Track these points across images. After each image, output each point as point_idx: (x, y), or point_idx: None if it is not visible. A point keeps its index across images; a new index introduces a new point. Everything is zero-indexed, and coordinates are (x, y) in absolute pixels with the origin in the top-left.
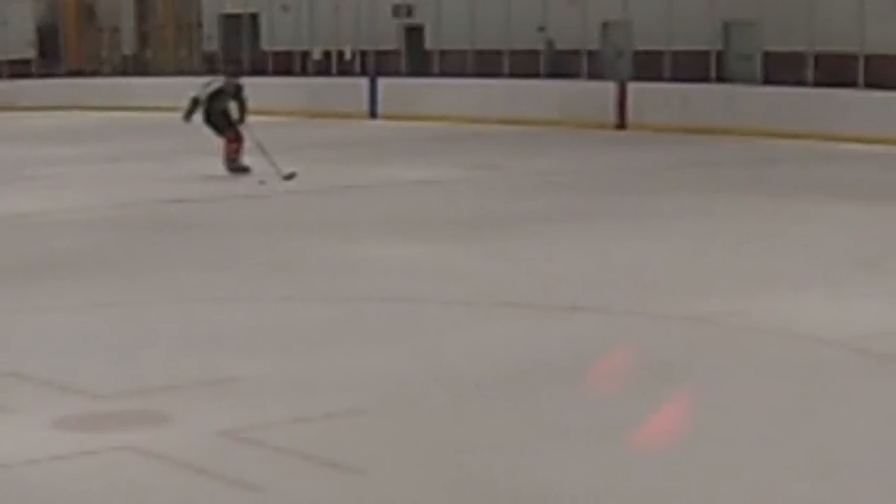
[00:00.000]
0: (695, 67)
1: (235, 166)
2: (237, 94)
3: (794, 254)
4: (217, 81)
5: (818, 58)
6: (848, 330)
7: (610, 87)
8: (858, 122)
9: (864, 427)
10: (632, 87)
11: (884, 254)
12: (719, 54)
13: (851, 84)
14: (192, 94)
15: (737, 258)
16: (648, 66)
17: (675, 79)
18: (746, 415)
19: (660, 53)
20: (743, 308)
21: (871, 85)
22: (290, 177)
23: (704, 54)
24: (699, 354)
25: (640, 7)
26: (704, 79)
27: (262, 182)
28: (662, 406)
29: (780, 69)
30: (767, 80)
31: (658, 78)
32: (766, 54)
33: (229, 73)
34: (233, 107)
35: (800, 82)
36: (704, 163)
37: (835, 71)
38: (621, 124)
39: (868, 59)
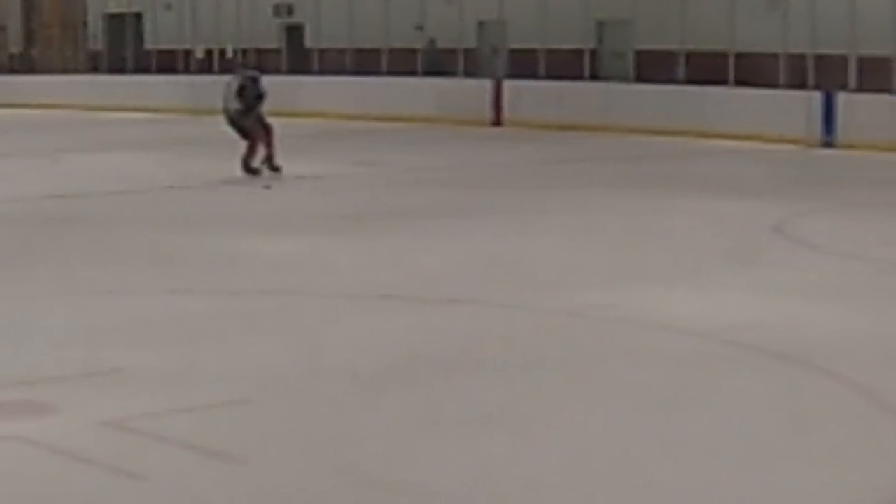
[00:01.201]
0: (569, 65)
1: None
2: (255, 86)
3: (665, 248)
4: (234, 80)
5: (689, 56)
6: (717, 322)
7: (486, 85)
8: (729, 119)
9: (733, 417)
10: (508, 84)
11: (752, 248)
12: (593, 53)
13: (722, 82)
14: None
15: (611, 252)
16: (524, 65)
17: (549, 76)
18: (619, 406)
19: (535, 52)
20: (616, 301)
21: (741, 83)
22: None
23: (578, 53)
24: (574, 346)
25: (516, 6)
26: (578, 77)
27: (267, 187)
28: (537, 397)
29: (653, 67)
30: (640, 78)
31: (533, 76)
32: (639, 53)
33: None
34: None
35: (671, 80)
36: (579, 159)
37: (706, 69)
38: (497, 121)
39: (738, 57)
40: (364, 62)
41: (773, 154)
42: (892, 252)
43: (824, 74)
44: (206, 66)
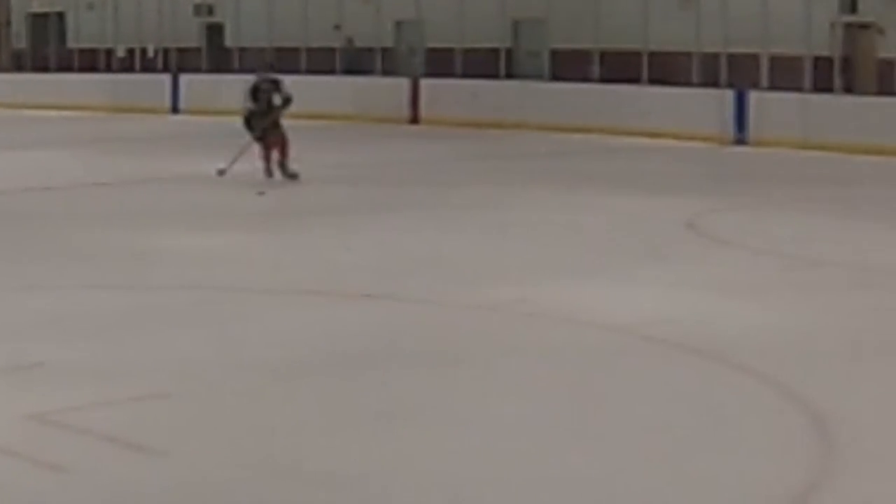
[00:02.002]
0: (485, 64)
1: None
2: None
3: (580, 244)
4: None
5: (603, 55)
6: (631, 316)
7: (403, 84)
8: (642, 117)
9: (646, 410)
10: (424, 83)
11: (665, 244)
12: (509, 52)
13: (635, 80)
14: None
15: (526, 248)
16: (440, 63)
17: (466, 75)
18: (533, 399)
19: (451, 51)
20: (532, 296)
21: (654, 81)
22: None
23: (494, 51)
24: (489, 341)
25: (433, 6)
26: (494, 75)
27: (260, 193)
28: (454, 390)
29: (568, 66)
30: (555, 77)
31: (450, 74)
32: (554, 52)
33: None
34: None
35: (586, 78)
36: (495, 156)
37: (619, 67)
38: (415, 119)
39: (651, 56)
40: (283, 61)
41: (686, 151)
42: (802, 248)
43: (736, 73)
44: (127, 65)
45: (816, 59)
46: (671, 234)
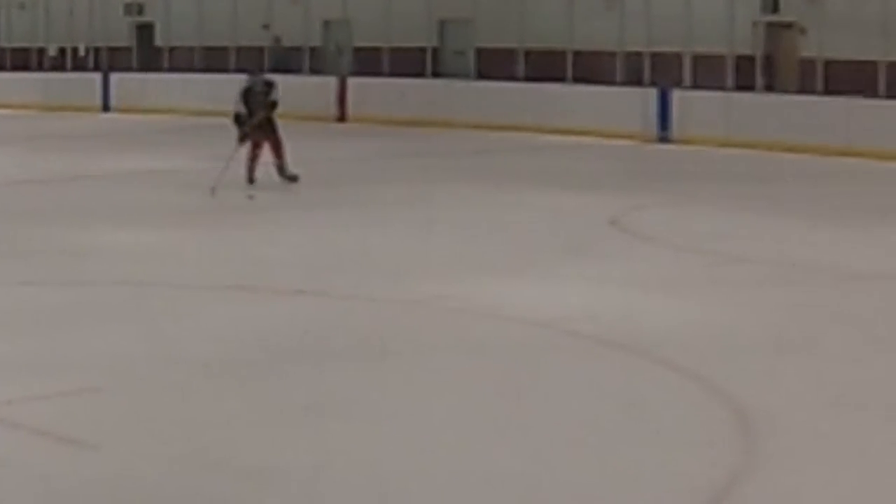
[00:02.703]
0: (412, 63)
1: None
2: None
3: (506, 240)
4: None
5: (529, 54)
6: (556, 312)
7: (331, 82)
8: (567, 116)
9: (571, 405)
10: (352, 81)
11: (590, 240)
12: (435, 51)
13: (560, 79)
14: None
15: (453, 244)
16: (368, 62)
17: (393, 74)
18: (459, 393)
19: (378, 50)
20: (458, 292)
21: (579, 80)
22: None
23: (421, 51)
24: (415, 336)
25: (360, 6)
26: (421, 74)
27: (250, 197)
28: (381, 385)
29: (493, 65)
30: (481, 75)
31: (377, 73)
32: (480, 51)
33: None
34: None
35: (511, 77)
36: (422, 154)
37: (544, 66)
38: (342, 117)
39: (576, 55)
40: (213, 60)
41: (610, 149)
42: (724, 244)
43: (660, 72)
44: (58, 64)
45: (739, 58)
46: (595, 230)
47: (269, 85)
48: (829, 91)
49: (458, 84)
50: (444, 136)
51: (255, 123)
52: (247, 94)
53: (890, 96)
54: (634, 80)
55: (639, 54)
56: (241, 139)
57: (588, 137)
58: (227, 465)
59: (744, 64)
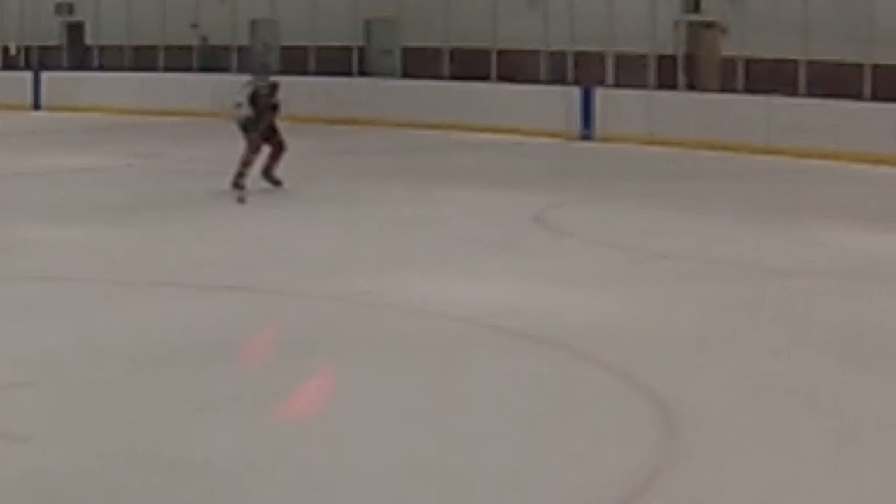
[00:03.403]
0: (339, 62)
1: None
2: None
3: (432, 237)
4: (249, 85)
5: (454, 53)
6: (481, 307)
7: None
8: (492, 113)
9: (495, 399)
10: (279, 80)
11: (515, 237)
12: (361, 50)
13: (485, 77)
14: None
15: (380, 241)
16: (295, 61)
17: (320, 73)
18: (385, 388)
19: (305, 49)
20: (384, 287)
21: (503, 78)
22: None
23: (347, 50)
24: (341, 331)
25: (287, 5)
26: (347, 73)
27: (241, 199)
28: (307, 379)
29: (419, 63)
30: (407, 74)
31: (304, 72)
32: (406, 50)
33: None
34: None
35: (437, 76)
36: (349, 152)
37: (469, 65)
38: None
39: (500, 53)
40: (142, 59)
41: (535, 147)
42: (646, 241)
43: (583, 71)
44: None
45: (660, 58)
46: (520, 227)
47: (274, 87)
48: (749, 90)
49: (385, 83)
50: (370, 134)
51: (262, 129)
52: (254, 98)
53: (810, 95)
54: (558, 78)
55: (562, 53)
56: (256, 148)
57: (512, 135)
58: (155, 459)
59: (666, 63)
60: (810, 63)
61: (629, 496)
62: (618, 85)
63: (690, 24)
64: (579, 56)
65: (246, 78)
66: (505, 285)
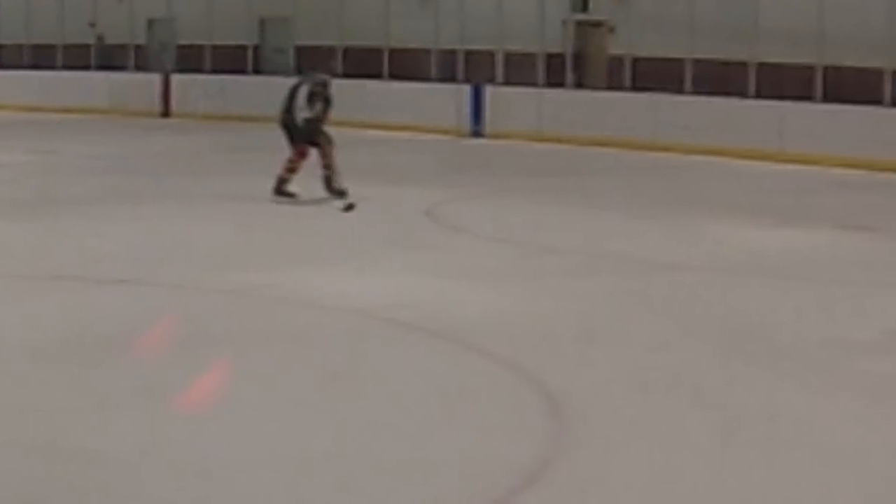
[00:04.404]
0: (233, 60)
1: (281, 188)
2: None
3: (326, 232)
4: (303, 86)
5: (347, 51)
6: (375, 301)
7: (155, 79)
8: (384, 111)
9: (389, 391)
10: (176, 78)
11: (407, 232)
12: (256, 48)
13: (377, 75)
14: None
15: (275, 236)
16: (191, 59)
17: (215, 71)
18: (281, 380)
19: (201, 47)
20: (279, 281)
21: (395, 76)
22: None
23: (242, 48)
24: (238, 324)
25: (183, 5)
26: (242, 71)
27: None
28: (204, 372)
29: (312, 61)
30: (300, 72)
31: (199, 70)
32: (299, 48)
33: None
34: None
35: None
36: (244, 148)
37: (362, 63)
38: (166, 113)
39: (392, 52)
40: (40, 57)
41: (426, 143)
42: (536, 236)
43: (473, 69)
44: None
45: (549, 56)
46: (412, 222)
47: (325, 84)
48: (636, 87)
49: (279, 80)
50: (264, 131)
51: (319, 129)
52: (311, 97)
53: (695, 92)
54: (449, 76)
55: (453, 52)
56: (324, 147)
57: (404, 132)
58: (54, 449)
59: (554, 61)
60: (696, 62)
61: (518, 486)
62: (507, 83)
63: (578, 23)
64: (470, 54)
65: (295, 80)
66: (398, 279)
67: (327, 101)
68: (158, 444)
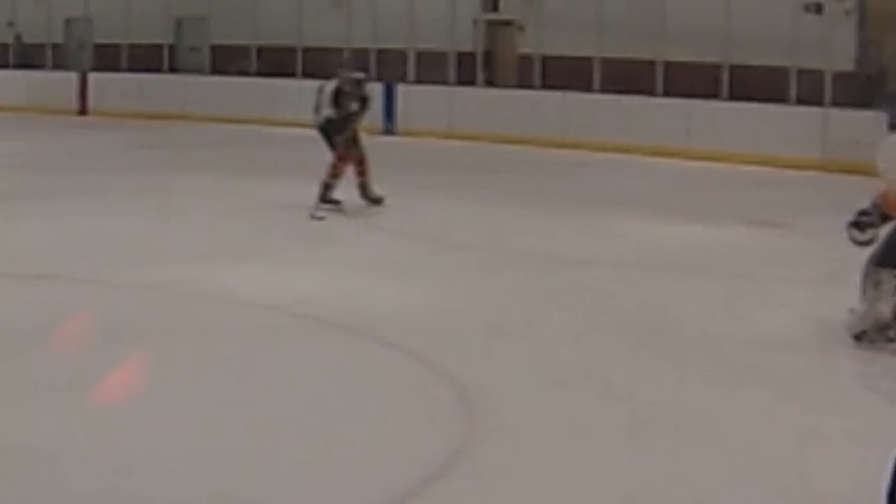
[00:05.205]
0: (150, 59)
1: (326, 195)
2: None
3: (239, 228)
4: (330, 83)
5: (261, 50)
6: (287, 296)
7: (73, 77)
8: (296, 109)
9: (301, 385)
10: (93, 77)
11: (320, 227)
12: (171, 47)
13: (291, 74)
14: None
15: (188, 232)
16: (108, 58)
17: (132, 69)
18: (194, 374)
19: (118, 46)
20: (192, 277)
21: (308, 75)
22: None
23: (158, 47)
24: (153, 318)
25: (100, 4)
26: (158, 69)
27: (319, 217)
28: (120, 366)
29: (227, 60)
30: (215, 71)
31: (116, 69)
32: (214, 47)
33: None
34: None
35: (244, 72)
36: (160, 145)
37: (276, 62)
38: (83, 111)
39: (305, 51)
40: None
41: None
42: (447, 232)
43: (385, 67)
44: None
45: (460, 55)
46: (327, 218)
47: (359, 82)
48: (546, 86)
49: (194, 79)
50: (180, 129)
51: (351, 132)
52: (338, 96)
53: (604, 91)
54: None
55: (365, 51)
56: (343, 157)
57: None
58: None
59: (465, 60)
60: (604, 60)
61: (430, 477)
62: (419, 81)
63: (489, 22)
64: (382, 53)
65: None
66: (311, 274)
67: (363, 101)
68: (76, 438)
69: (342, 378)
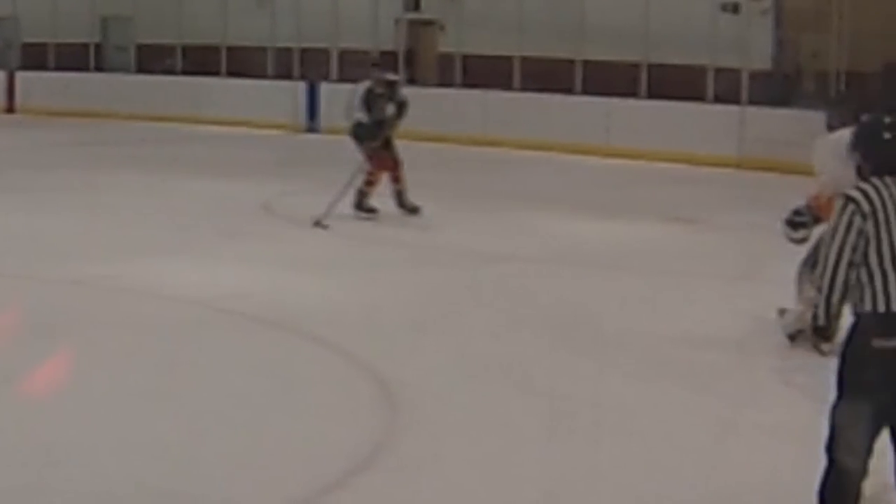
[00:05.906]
0: (76, 58)
1: (361, 203)
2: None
3: (165, 224)
4: (361, 85)
5: (186, 49)
6: (212, 291)
7: (0, 76)
8: (222, 107)
9: (226, 379)
10: (20, 75)
11: (244, 224)
12: (98, 46)
13: (215, 73)
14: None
15: (115, 228)
16: (35, 57)
17: (59, 68)
18: (121, 368)
19: (45, 45)
20: (119, 272)
21: (232, 73)
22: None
23: (85, 46)
24: (80, 314)
25: (27, 4)
26: (85, 68)
27: (321, 226)
28: (48, 360)
29: (152, 59)
30: (141, 69)
31: (44, 67)
32: (140, 46)
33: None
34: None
35: (169, 71)
36: (87, 143)
37: (200, 61)
38: (10, 109)
39: (230, 50)
40: None
41: (263, 139)
42: (368, 228)
43: (308, 66)
44: None
45: (382, 53)
46: (248, 215)
47: (391, 84)
48: (466, 84)
49: (120, 78)
50: (107, 127)
51: (384, 136)
52: (368, 98)
53: (524, 89)
54: (284, 73)
55: (289, 50)
56: (375, 161)
57: (241, 128)
58: None
59: (387, 59)
60: (524, 59)
61: (353, 469)
62: (342, 79)
63: (411, 21)
64: (305, 52)
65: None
66: (236, 270)
67: (400, 106)
68: (3, 431)
69: (267, 372)
